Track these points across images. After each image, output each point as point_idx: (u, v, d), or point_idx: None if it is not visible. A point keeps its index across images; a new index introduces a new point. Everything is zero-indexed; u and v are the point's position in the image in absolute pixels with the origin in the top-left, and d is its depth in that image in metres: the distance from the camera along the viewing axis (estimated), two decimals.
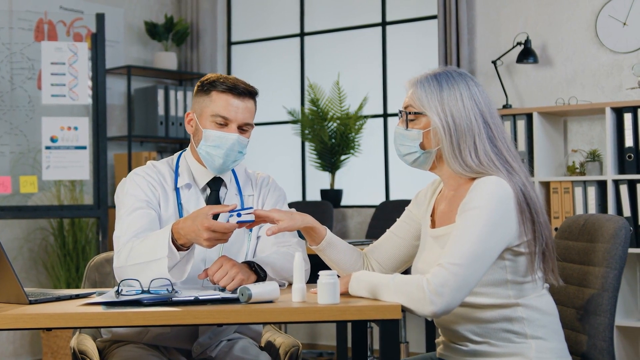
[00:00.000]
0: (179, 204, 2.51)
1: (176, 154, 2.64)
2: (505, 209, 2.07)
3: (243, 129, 2.51)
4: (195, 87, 2.57)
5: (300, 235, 2.56)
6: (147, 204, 2.47)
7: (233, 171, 2.62)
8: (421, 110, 2.19)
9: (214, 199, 2.54)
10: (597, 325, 2.23)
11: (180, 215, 2.49)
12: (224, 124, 2.48)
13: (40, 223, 5.50)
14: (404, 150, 2.24)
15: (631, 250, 4.38)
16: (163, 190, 2.53)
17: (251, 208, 2.29)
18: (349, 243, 2.49)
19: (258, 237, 2.58)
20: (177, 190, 2.54)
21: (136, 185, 2.50)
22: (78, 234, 5.44)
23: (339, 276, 2.12)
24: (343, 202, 5.84)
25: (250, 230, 2.54)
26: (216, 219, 2.25)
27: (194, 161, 2.58)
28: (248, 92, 2.51)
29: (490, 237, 2.04)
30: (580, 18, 4.94)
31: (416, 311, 2.01)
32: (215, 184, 2.57)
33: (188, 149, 2.62)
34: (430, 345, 4.40)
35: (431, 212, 2.32)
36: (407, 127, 2.22)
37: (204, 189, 2.57)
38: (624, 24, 4.78)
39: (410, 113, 2.21)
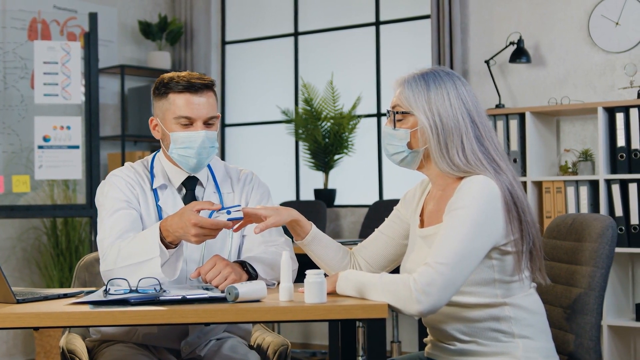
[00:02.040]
0: (157, 205, 2.51)
1: (150, 155, 2.63)
2: (492, 208, 2.07)
3: (209, 123, 2.49)
4: (152, 91, 2.55)
5: (287, 233, 2.56)
6: (127, 205, 2.46)
7: (210, 169, 2.61)
8: (408, 110, 2.19)
9: (190, 198, 2.54)
10: (584, 324, 2.24)
11: (160, 216, 2.49)
12: (189, 123, 2.47)
13: (33, 222, 5.50)
14: (392, 150, 2.24)
15: (624, 249, 4.39)
16: (142, 190, 2.52)
17: (239, 206, 2.29)
18: (343, 243, 2.49)
19: (244, 236, 2.57)
20: (154, 191, 2.53)
21: (115, 187, 2.49)
22: (71, 234, 5.44)
23: (326, 275, 2.13)
24: (336, 202, 5.85)
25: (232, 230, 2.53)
26: None
27: (167, 162, 2.56)
28: (205, 86, 2.48)
29: (477, 237, 2.04)
30: (572, 18, 4.94)
31: (403, 310, 2.02)
32: (190, 183, 2.56)
33: (161, 150, 2.61)
34: (423, 345, 4.40)
35: (420, 212, 2.33)
36: (394, 126, 2.22)
37: (179, 189, 2.56)
38: (617, 23, 4.78)
39: (397, 113, 2.21)
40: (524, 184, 4.67)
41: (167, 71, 6.05)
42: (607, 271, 2.24)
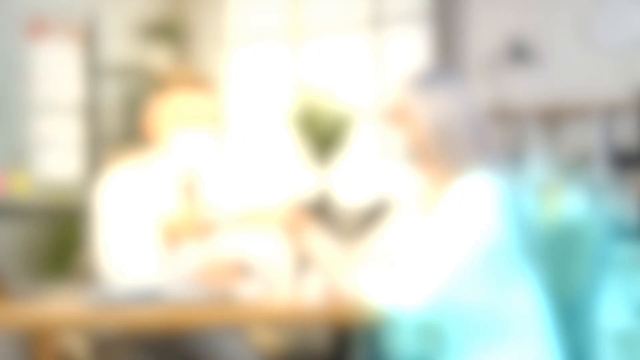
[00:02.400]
0: (157, 205, 2.51)
1: (150, 155, 2.64)
2: (490, 209, 2.08)
3: (209, 123, 2.50)
4: (152, 91, 2.55)
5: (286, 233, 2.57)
6: (126, 205, 2.47)
7: (210, 169, 2.61)
8: (408, 110, 2.20)
9: (190, 198, 2.54)
10: (583, 324, 2.24)
11: (159, 216, 2.48)
12: (189, 123, 2.47)
13: (33, 223, 5.50)
14: (392, 150, 2.25)
15: (623, 249, 4.39)
16: (141, 190, 2.53)
17: (238, 206, 2.29)
18: (342, 243, 2.50)
19: (243, 236, 2.58)
20: (153, 191, 2.54)
21: (115, 187, 2.50)
22: (71, 234, 5.44)
23: (324, 276, 2.14)
24: (336, 202, 5.85)
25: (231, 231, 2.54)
26: None
27: (167, 162, 2.57)
28: (205, 86, 2.50)
29: (474, 236, 2.05)
30: (572, 18, 4.95)
31: (401, 309, 2.03)
32: (190, 183, 2.56)
33: (160, 150, 2.61)
34: None
35: (419, 212, 2.33)
36: (393, 127, 2.23)
37: (179, 189, 2.56)
38: (616, 24, 4.79)
39: (397, 113, 2.22)
40: (523, 184, 4.67)
41: (166, 71, 6.06)
42: (607, 271, 2.24)
